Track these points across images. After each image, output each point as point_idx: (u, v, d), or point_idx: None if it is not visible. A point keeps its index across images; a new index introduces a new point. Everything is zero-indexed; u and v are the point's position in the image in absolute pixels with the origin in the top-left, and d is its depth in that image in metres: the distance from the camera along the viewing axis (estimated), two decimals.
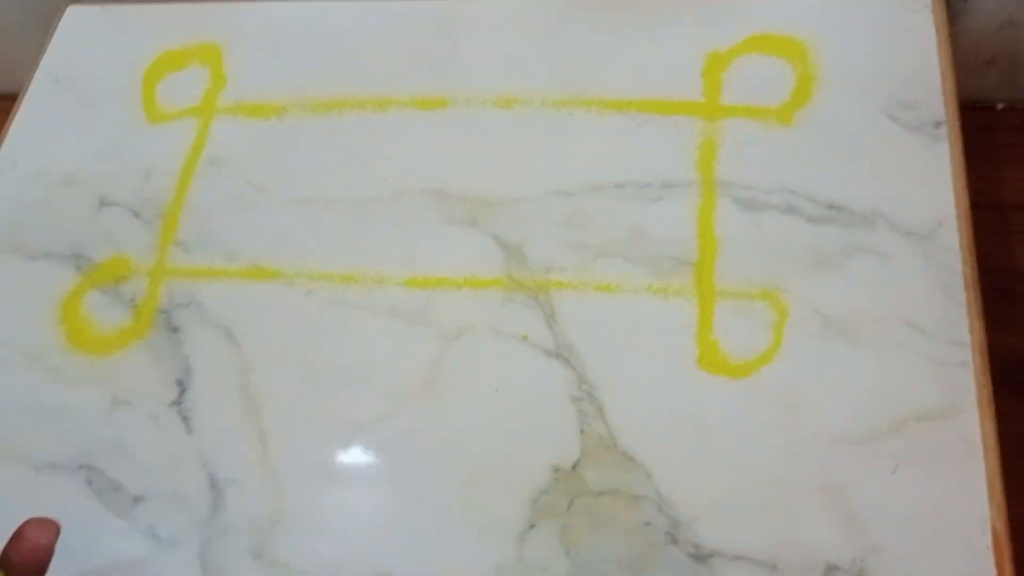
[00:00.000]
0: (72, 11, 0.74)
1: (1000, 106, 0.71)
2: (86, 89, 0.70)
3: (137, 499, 0.53)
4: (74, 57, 0.72)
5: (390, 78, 0.64)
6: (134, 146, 0.65)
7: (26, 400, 0.57)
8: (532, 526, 0.48)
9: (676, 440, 0.49)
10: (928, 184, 0.53)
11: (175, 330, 0.57)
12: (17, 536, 0.40)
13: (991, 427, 0.46)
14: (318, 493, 0.52)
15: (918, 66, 0.57)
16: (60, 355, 0.58)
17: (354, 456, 0.52)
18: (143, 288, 0.59)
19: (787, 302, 0.51)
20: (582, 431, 0.50)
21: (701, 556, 0.46)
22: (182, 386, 0.56)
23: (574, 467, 0.49)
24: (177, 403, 0.55)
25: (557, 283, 0.54)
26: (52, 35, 0.73)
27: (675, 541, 0.47)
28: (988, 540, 0.44)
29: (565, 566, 0.47)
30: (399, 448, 0.52)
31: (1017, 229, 0.66)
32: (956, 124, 0.55)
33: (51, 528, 0.41)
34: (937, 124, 0.55)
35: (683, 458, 0.48)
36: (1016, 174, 0.68)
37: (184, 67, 0.69)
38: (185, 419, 0.55)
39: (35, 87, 0.71)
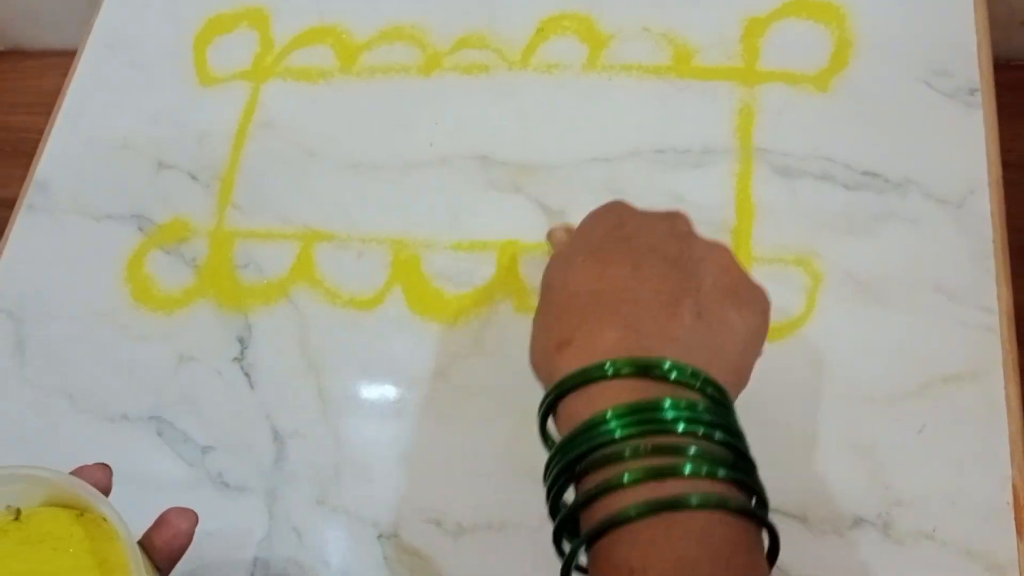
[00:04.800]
0: None
1: None
2: (138, 52, 0.72)
3: (206, 449, 0.57)
4: (125, 20, 0.74)
5: (433, 41, 0.66)
6: (188, 109, 0.68)
7: (100, 355, 0.61)
8: None
9: None
10: (961, 152, 0.54)
11: (235, 290, 0.61)
12: (161, 522, 0.42)
13: (1015, 390, 0.49)
14: (375, 444, 0.55)
15: (954, 32, 0.58)
16: (129, 312, 0.62)
17: (408, 410, 0.55)
18: (203, 248, 0.62)
19: (821, 267, 0.53)
20: None
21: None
22: (243, 343, 0.59)
23: None
24: (239, 359, 0.59)
25: None
26: None
27: None
28: (1008, 497, 0.47)
29: None
30: (449, 404, 0.55)
31: None
32: (991, 92, 0.56)
33: (191, 516, 0.43)
34: (972, 91, 0.56)
35: None
36: None
37: (233, 30, 0.71)
38: (247, 375, 0.58)
39: (88, 50, 0.74)
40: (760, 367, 0.51)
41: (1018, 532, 0.46)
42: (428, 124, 0.63)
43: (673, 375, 0.34)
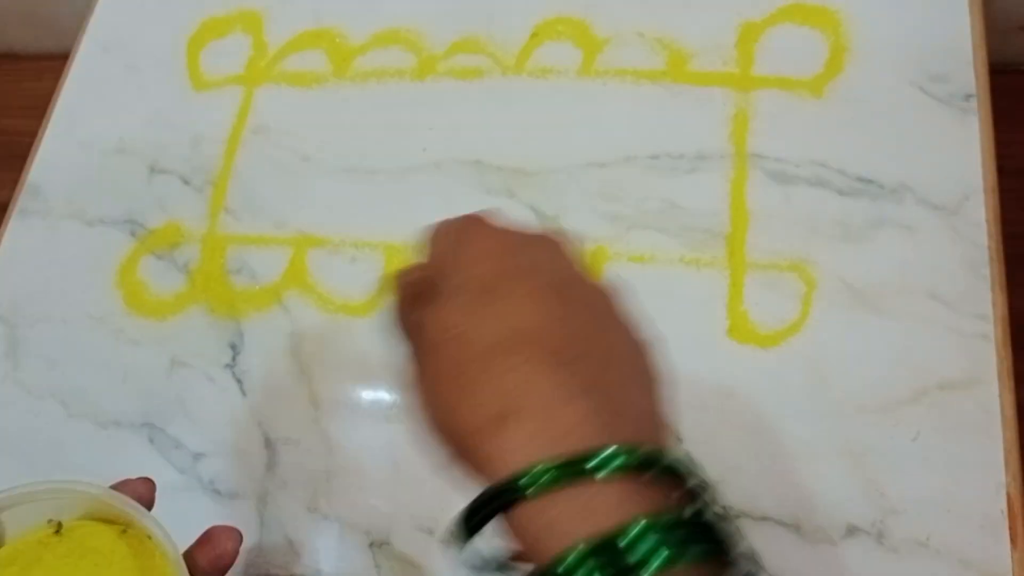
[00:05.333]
0: None
1: None
2: (132, 56, 0.72)
3: (197, 456, 0.57)
4: (119, 23, 0.74)
5: (428, 46, 0.65)
6: (181, 114, 0.68)
7: (92, 360, 0.61)
8: None
9: (706, 406, 0.51)
10: (956, 157, 0.54)
11: (227, 296, 0.60)
12: (206, 540, 0.40)
13: (1010, 398, 0.48)
14: (368, 451, 0.55)
15: (950, 38, 0.57)
16: (121, 318, 0.61)
17: (400, 417, 0.55)
18: (196, 254, 0.62)
19: (815, 274, 0.53)
20: None
21: (728, 517, 0.49)
22: (235, 349, 0.59)
23: None
24: (231, 365, 0.58)
25: (592, 254, 0.56)
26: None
27: None
28: (1003, 505, 0.46)
29: None
30: None
31: None
32: (986, 97, 0.56)
33: (237, 536, 0.40)
34: (967, 97, 0.56)
35: (712, 423, 0.51)
36: None
37: (226, 34, 0.70)
38: (239, 381, 0.58)
39: (83, 53, 0.73)
40: (754, 374, 0.51)
41: (1012, 541, 0.46)
42: (422, 129, 0.63)
43: (677, 468, 0.28)
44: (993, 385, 0.49)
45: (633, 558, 0.25)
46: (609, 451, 0.27)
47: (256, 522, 0.54)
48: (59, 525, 0.39)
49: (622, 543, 0.25)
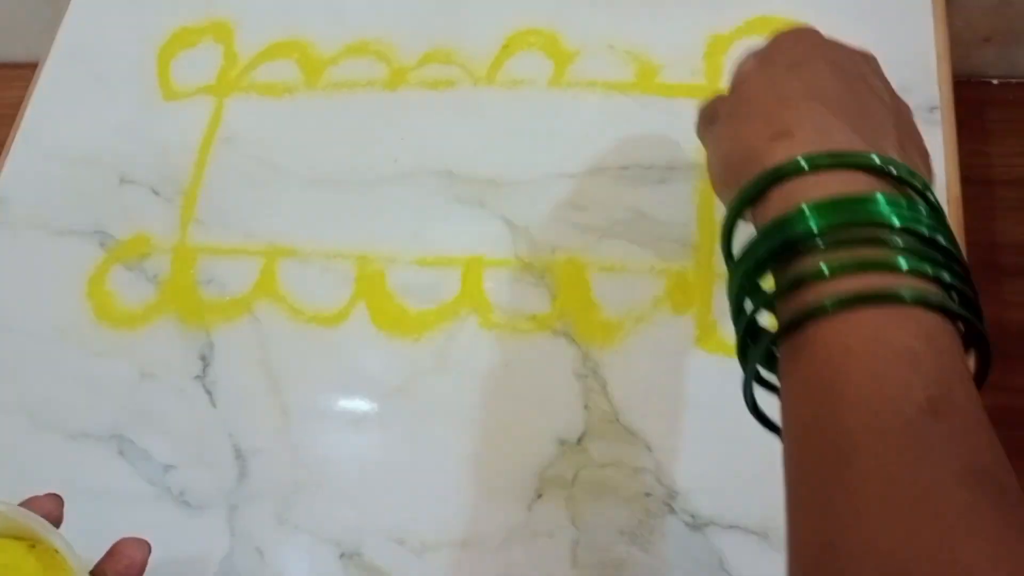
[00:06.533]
0: None
1: (996, 81, 0.73)
2: (102, 65, 0.71)
3: (167, 467, 0.56)
4: (89, 32, 0.73)
5: (399, 56, 0.66)
6: (151, 124, 0.67)
7: (60, 371, 0.60)
8: (539, 495, 0.51)
9: (675, 415, 0.52)
10: None
11: (197, 307, 0.60)
12: (113, 552, 0.41)
13: None
14: (338, 463, 0.55)
15: (914, 49, 0.58)
16: (89, 328, 0.61)
17: (372, 428, 0.55)
18: (165, 264, 0.62)
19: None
20: (586, 406, 0.53)
21: (697, 524, 0.49)
22: (205, 361, 0.58)
23: (579, 440, 0.52)
24: (201, 377, 0.58)
25: (563, 263, 0.56)
26: (67, 8, 0.75)
27: (673, 511, 0.50)
28: None
29: (570, 533, 0.50)
30: (414, 420, 0.55)
31: (1004, 204, 0.68)
32: (950, 109, 0.56)
33: (145, 546, 0.42)
34: (931, 109, 0.57)
35: (682, 432, 0.51)
36: (1005, 149, 0.70)
37: (197, 44, 0.70)
38: (209, 392, 0.58)
39: (51, 62, 0.73)
40: (722, 383, 0.52)
41: None
42: (393, 139, 0.63)
43: (900, 172, 0.33)
44: None
45: (883, 211, 0.31)
46: (904, 165, 0.34)
47: (226, 534, 0.54)
48: None
49: (859, 201, 0.32)
